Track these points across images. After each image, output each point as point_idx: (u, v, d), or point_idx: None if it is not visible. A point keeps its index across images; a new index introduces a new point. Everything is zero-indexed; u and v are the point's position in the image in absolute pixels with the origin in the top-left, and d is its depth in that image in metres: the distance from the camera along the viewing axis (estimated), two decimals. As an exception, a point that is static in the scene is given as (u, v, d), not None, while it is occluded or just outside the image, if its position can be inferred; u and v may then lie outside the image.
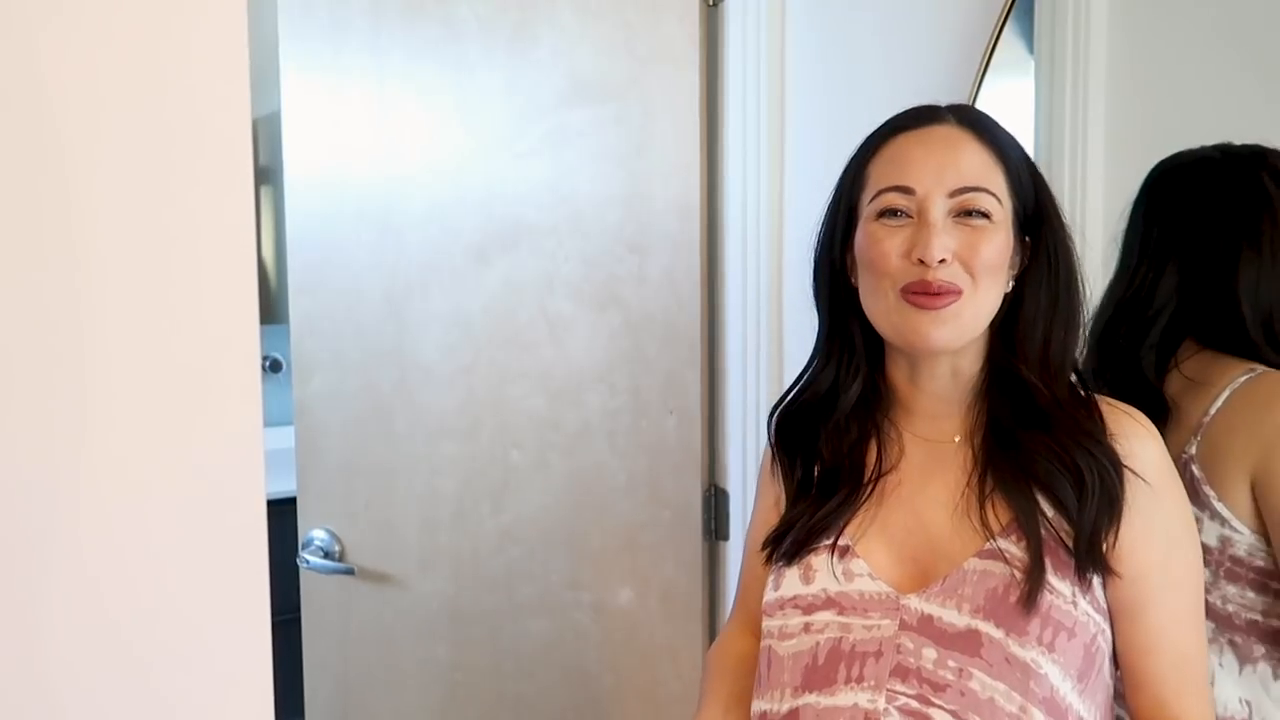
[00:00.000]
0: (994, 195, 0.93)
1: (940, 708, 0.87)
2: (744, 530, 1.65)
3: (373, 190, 1.77)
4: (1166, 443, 0.97)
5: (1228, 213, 1.14)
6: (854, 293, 0.99)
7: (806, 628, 0.95)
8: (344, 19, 1.75)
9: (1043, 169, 1.00)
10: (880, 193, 0.94)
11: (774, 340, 1.66)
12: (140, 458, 0.67)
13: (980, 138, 0.94)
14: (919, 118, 0.96)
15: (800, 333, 1.56)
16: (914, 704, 0.88)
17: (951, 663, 0.88)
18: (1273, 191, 1.13)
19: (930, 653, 0.89)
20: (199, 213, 0.68)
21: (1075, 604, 0.89)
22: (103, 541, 0.66)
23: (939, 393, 0.99)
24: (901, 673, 0.90)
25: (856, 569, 0.96)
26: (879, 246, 0.93)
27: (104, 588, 0.66)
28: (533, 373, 1.72)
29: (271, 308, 2.76)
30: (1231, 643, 1.10)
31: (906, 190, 0.93)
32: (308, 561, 1.82)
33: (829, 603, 0.95)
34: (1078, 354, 0.99)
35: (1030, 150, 1.02)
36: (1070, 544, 0.90)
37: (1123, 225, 1.22)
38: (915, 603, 0.92)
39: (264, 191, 2.87)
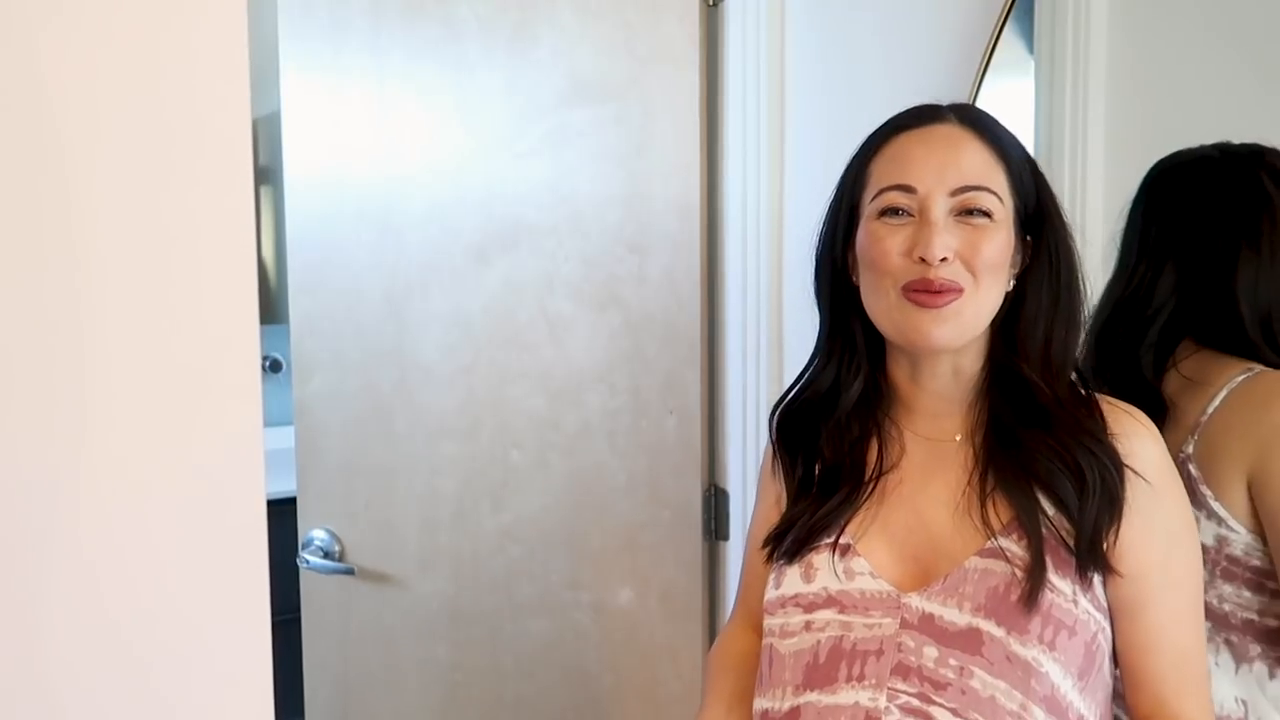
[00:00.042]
0: (995, 194, 0.93)
1: (941, 706, 0.87)
2: (744, 530, 1.65)
3: (373, 190, 1.77)
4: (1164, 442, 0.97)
5: (1226, 212, 1.13)
6: (855, 291, 0.99)
7: (808, 626, 0.95)
8: (344, 19, 1.75)
9: (1043, 169, 1.00)
10: (882, 191, 0.94)
11: (774, 340, 1.66)
12: (140, 458, 0.67)
13: (982, 136, 0.95)
14: (920, 116, 0.97)
15: (800, 332, 1.56)
16: (915, 702, 0.88)
17: (953, 661, 0.89)
18: (1271, 191, 1.13)
19: (931, 651, 0.90)
20: (199, 213, 0.68)
21: (1076, 602, 0.90)
22: (103, 541, 0.66)
23: (940, 391, 0.99)
24: (903, 671, 0.90)
25: (857, 567, 0.96)
26: (880, 245, 0.93)
27: (104, 588, 0.66)
28: (533, 373, 1.72)
29: (271, 308, 2.76)
30: (1228, 642, 1.10)
31: (908, 189, 0.93)
32: (308, 561, 1.82)
33: (830, 601, 0.95)
34: (1077, 353, 0.99)
35: (1030, 150, 1.02)
36: (1071, 543, 0.90)
37: (1121, 224, 1.22)
38: (916, 601, 0.92)
39: (264, 191, 2.87)
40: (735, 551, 1.70)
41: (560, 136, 1.68)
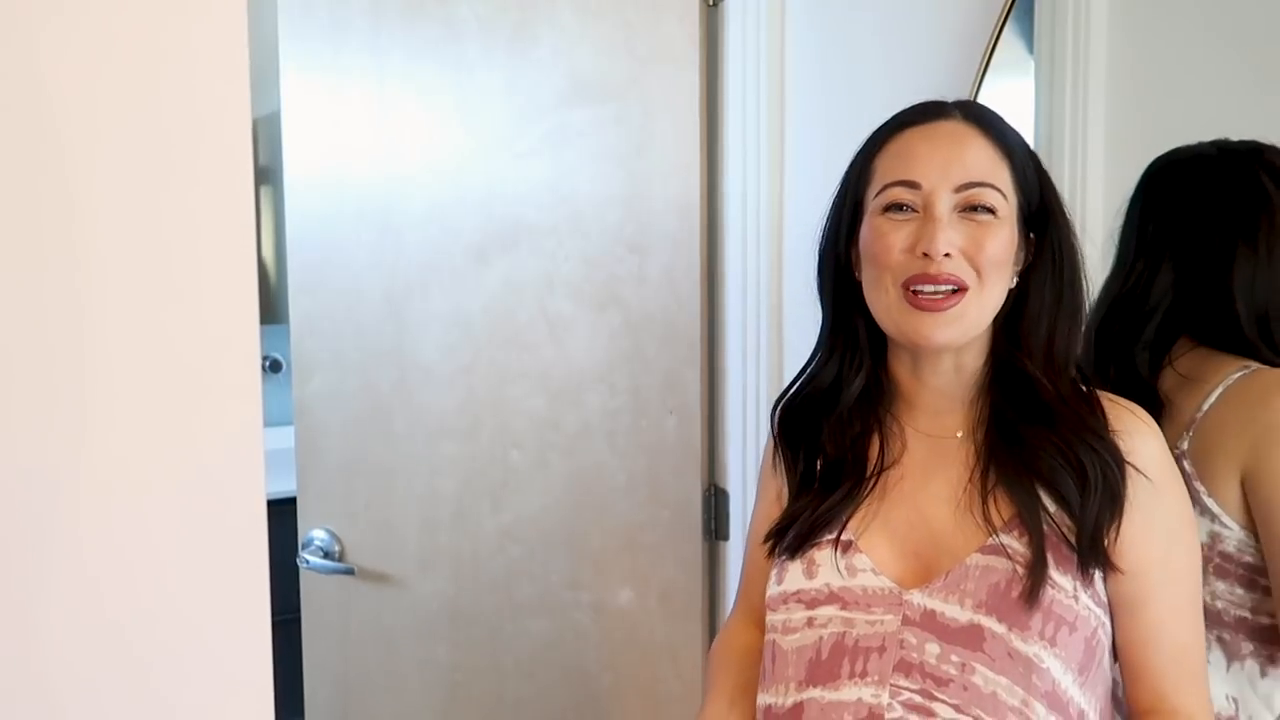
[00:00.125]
0: (999, 191, 0.93)
1: (943, 702, 0.88)
2: (744, 530, 1.65)
3: (373, 190, 1.77)
4: None
5: (1224, 210, 1.13)
6: (858, 287, 0.99)
7: (810, 622, 0.95)
8: (344, 19, 1.75)
9: (1043, 168, 1.00)
10: (886, 187, 0.95)
11: (774, 339, 1.66)
12: (140, 458, 0.67)
13: (986, 133, 0.95)
14: (925, 113, 0.97)
15: (800, 332, 1.56)
16: (917, 699, 0.89)
17: (954, 657, 0.89)
18: (1270, 189, 1.13)
19: (933, 648, 0.90)
20: (199, 213, 0.68)
21: (1076, 598, 0.90)
22: (103, 541, 0.66)
23: (942, 388, 0.99)
24: (905, 668, 0.90)
25: (859, 564, 0.96)
26: (883, 240, 0.94)
27: (104, 588, 0.66)
28: (533, 373, 1.72)
29: (271, 308, 2.76)
30: (1219, 639, 1.10)
31: (912, 185, 0.93)
32: (308, 561, 1.82)
33: (832, 597, 0.95)
34: (1077, 350, 1.00)
35: (1031, 150, 1.02)
36: (1072, 539, 0.91)
37: (1119, 221, 1.22)
38: (918, 598, 0.92)
39: (264, 191, 2.87)
40: (735, 551, 1.70)
41: (560, 136, 1.68)
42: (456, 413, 1.76)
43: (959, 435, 0.99)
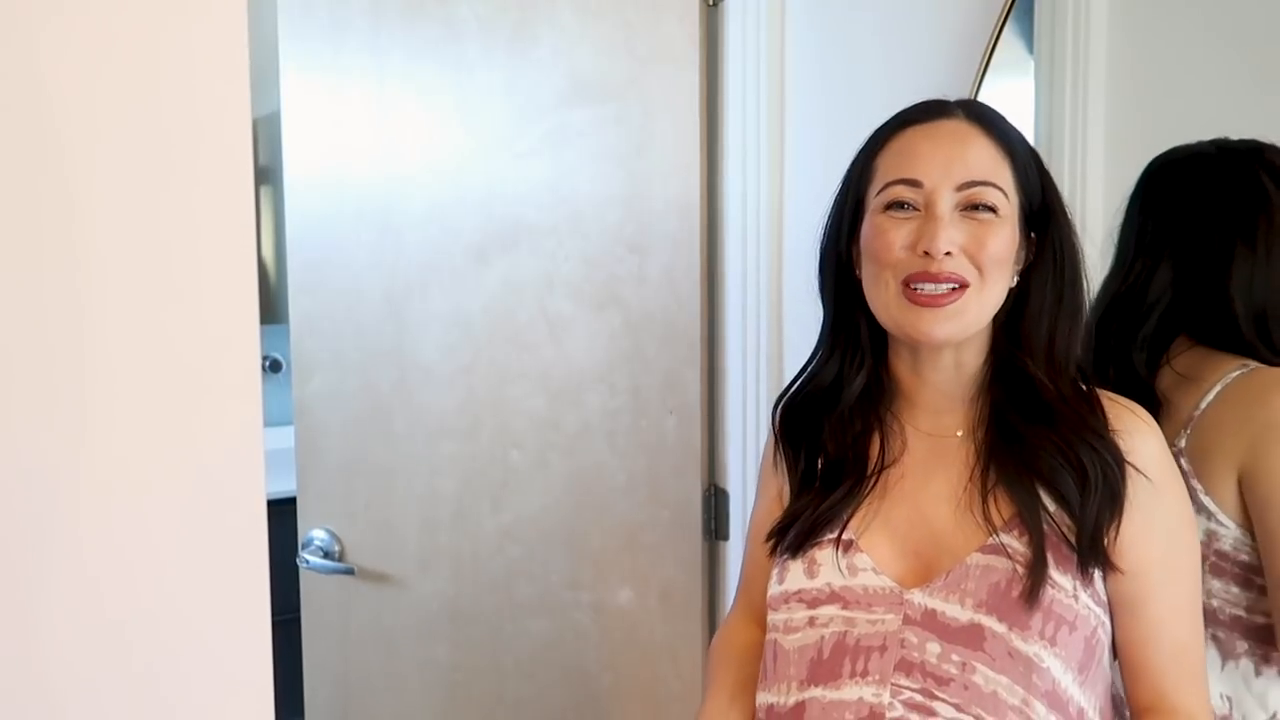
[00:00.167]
0: (1001, 190, 0.93)
1: (944, 701, 0.88)
2: (744, 530, 1.65)
3: (373, 190, 1.77)
4: None
5: (1223, 209, 1.13)
6: (859, 285, 0.99)
7: (811, 621, 0.95)
8: (344, 19, 1.75)
9: (1043, 167, 1.00)
10: (887, 185, 0.95)
11: (774, 339, 1.66)
12: (140, 458, 0.67)
13: (988, 132, 0.95)
14: (927, 111, 0.97)
15: (801, 331, 1.56)
16: (918, 698, 0.89)
17: (955, 657, 0.89)
18: (1269, 189, 1.13)
19: (934, 647, 0.90)
20: (199, 213, 0.68)
21: (1076, 598, 0.90)
22: (103, 541, 0.66)
23: (942, 386, 0.99)
24: (906, 667, 0.90)
25: (860, 563, 0.96)
26: (884, 238, 0.94)
27: (104, 588, 0.66)
28: (533, 373, 1.72)
29: (271, 308, 2.76)
30: (1214, 638, 1.10)
31: (914, 183, 0.93)
32: (308, 561, 1.82)
33: (833, 597, 0.95)
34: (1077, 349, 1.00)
35: (1031, 150, 1.02)
36: (1072, 539, 0.91)
37: (1119, 220, 1.22)
38: (919, 597, 0.93)
39: (264, 191, 2.87)
40: (735, 551, 1.70)
41: (560, 136, 1.68)
42: (456, 413, 1.76)
43: (959, 434, 0.99)
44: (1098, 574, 0.92)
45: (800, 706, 0.93)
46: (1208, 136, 1.19)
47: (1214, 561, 1.09)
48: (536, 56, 1.68)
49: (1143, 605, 0.93)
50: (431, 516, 1.78)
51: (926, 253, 0.91)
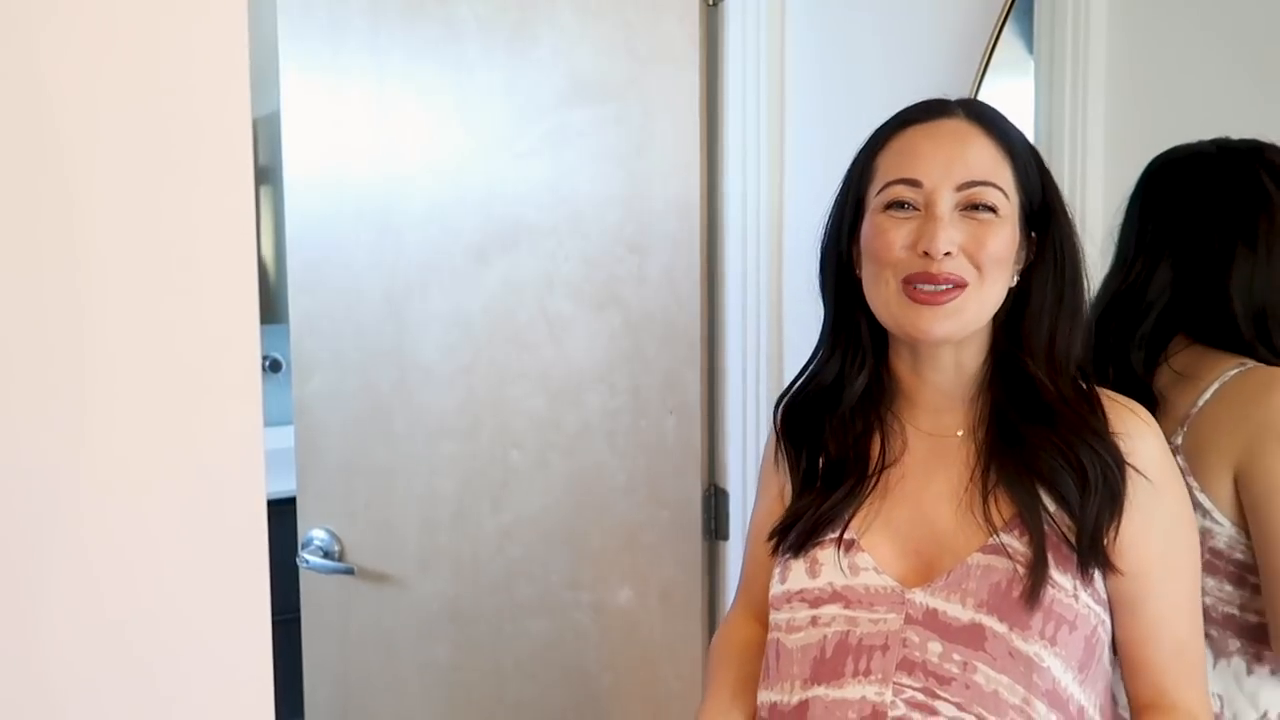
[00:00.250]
0: (1001, 190, 0.93)
1: (946, 700, 0.88)
2: (744, 530, 1.65)
3: (372, 190, 1.77)
4: None
5: (1223, 208, 1.14)
6: (859, 284, 0.99)
7: (814, 621, 0.96)
8: (343, 19, 1.75)
9: (1043, 167, 1.00)
10: (888, 185, 0.95)
11: (774, 339, 1.66)
12: (141, 458, 0.67)
13: (989, 132, 0.95)
14: (928, 111, 0.97)
15: (801, 330, 1.56)
16: (920, 697, 0.89)
17: (956, 656, 0.89)
18: (1270, 188, 1.13)
19: (935, 646, 0.90)
20: (199, 213, 0.68)
21: (1076, 597, 0.90)
22: (103, 541, 0.66)
23: (942, 386, 0.99)
24: (908, 666, 0.90)
25: (862, 563, 0.96)
26: (884, 237, 0.94)
27: (104, 588, 0.66)
28: (533, 373, 1.72)
29: (271, 308, 2.76)
30: (1207, 636, 1.10)
31: (914, 183, 0.93)
32: (307, 561, 1.82)
33: (835, 596, 0.96)
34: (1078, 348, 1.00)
35: (1031, 150, 1.02)
36: (1072, 539, 0.91)
37: (1119, 219, 1.22)
38: (920, 597, 0.93)
39: (264, 191, 2.87)
40: (735, 551, 1.70)
41: (560, 136, 1.68)
42: (456, 413, 1.76)
43: (960, 434, 0.99)
44: (1098, 573, 0.92)
45: (804, 705, 0.93)
46: (1207, 136, 1.19)
47: (1208, 559, 1.09)
48: (536, 56, 1.68)
49: (1142, 604, 0.93)
50: (431, 516, 1.78)
51: (926, 253, 0.91)
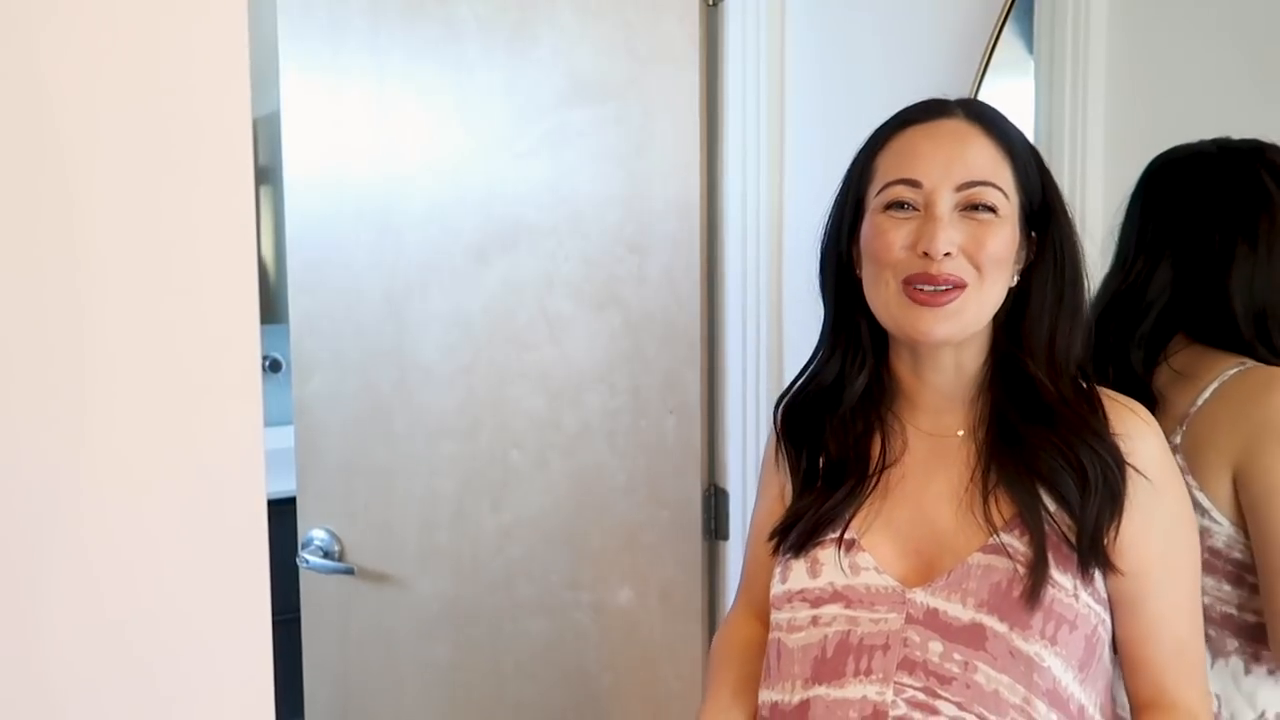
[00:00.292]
0: (1001, 190, 0.93)
1: (947, 700, 0.88)
2: (744, 530, 1.65)
3: (372, 190, 1.77)
4: None
5: (1224, 208, 1.14)
6: (859, 285, 0.99)
7: (815, 621, 0.96)
8: (343, 19, 1.75)
9: (1043, 167, 1.00)
10: (887, 185, 0.95)
11: (774, 339, 1.66)
12: (141, 458, 0.67)
13: (988, 132, 0.95)
14: (928, 111, 0.97)
15: (801, 330, 1.56)
16: (921, 696, 0.89)
17: (957, 656, 0.89)
18: (1271, 188, 1.13)
19: (936, 646, 0.90)
20: (199, 213, 0.68)
21: (1077, 596, 0.90)
22: (103, 541, 0.66)
23: (942, 386, 0.99)
24: (908, 665, 0.90)
25: (862, 562, 0.96)
26: (884, 238, 0.94)
27: (104, 588, 0.66)
28: (533, 373, 1.72)
29: (271, 308, 2.76)
30: (1205, 636, 1.10)
31: (914, 183, 0.93)
32: (307, 561, 1.82)
33: (836, 596, 0.96)
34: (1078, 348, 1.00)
35: (1031, 150, 1.02)
36: (1072, 539, 0.91)
37: (1120, 218, 1.22)
38: (921, 596, 0.93)
39: (264, 191, 2.87)
40: (735, 551, 1.70)
41: (560, 136, 1.68)
42: (456, 413, 1.76)
43: (960, 434, 0.99)
44: (1098, 573, 0.92)
45: (805, 705, 0.93)
46: (1207, 135, 1.19)
47: (1206, 559, 1.09)
48: (536, 56, 1.68)
49: (1143, 603, 0.93)
50: (431, 516, 1.78)
51: (926, 253, 0.91)
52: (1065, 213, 0.98)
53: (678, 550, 1.70)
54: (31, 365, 0.63)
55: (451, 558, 1.78)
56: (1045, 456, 0.92)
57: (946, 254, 0.91)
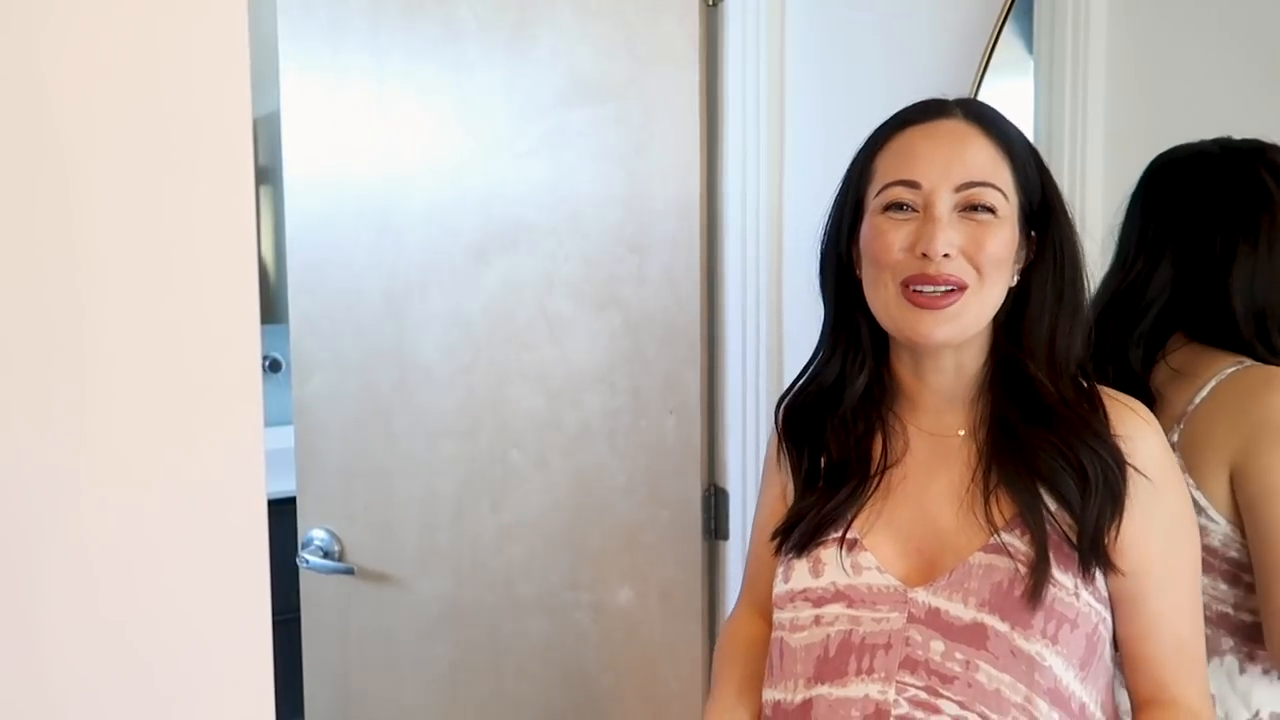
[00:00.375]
0: (1000, 190, 0.93)
1: (948, 699, 0.88)
2: (744, 530, 1.65)
3: (372, 190, 1.77)
4: None
5: (1225, 208, 1.14)
6: (859, 285, 0.99)
7: (817, 620, 0.96)
8: (343, 19, 1.75)
9: (1043, 167, 1.00)
10: (886, 186, 0.95)
11: (774, 339, 1.66)
12: (141, 458, 0.67)
13: (987, 132, 0.95)
14: (927, 111, 0.97)
15: (801, 331, 1.56)
16: (923, 695, 0.89)
17: (959, 655, 0.90)
18: (1272, 188, 1.13)
19: (938, 645, 0.90)
20: (199, 213, 0.68)
21: (1077, 595, 0.91)
22: (103, 541, 0.66)
23: (943, 387, 0.99)
24: (910, 665, 0.91)
25: (864, 562, 0.97)
26: (883, 239, 0.94)
27: (104, 588, 0.66)
28: (532, 373, 1.72)
29: (271, 308, 2.76)
30: None
31: (913, 184, 0.93)
32: (307, 561, 1.82)
33: (838, 595, 0.96)
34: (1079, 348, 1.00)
35: (1030, 150, 1.02)
36: (1073, 538, 0.91)
37: (1120, 218, 1.22)
38: (923, 596, 0.93)
39: (264, 191, 2.87)
40: (735, 551, 1.70)
41: (560, 136, 1.68)
42: (456, 413, 1.76)
43: (961, 434, 0.99)
44: (1098, 572, 0.92)
45: (807, 704, 0.94)
46: (1208, 135, 1.19)
47: (1203, 557, 1.09)
48: (536, 56, 1.68)
49: (1143, 602, 0.93)
50: (431, 517, 1.78)
51: (925, 255, 0.91)
52: (1065, 212, 0.98)
53: (678, 550, 1.70)
54: (32, 365, 0.63)
55: (451, 558, 1.78)
56: (1046, 456, 0.93)
57: (945, 255, 0.91)
